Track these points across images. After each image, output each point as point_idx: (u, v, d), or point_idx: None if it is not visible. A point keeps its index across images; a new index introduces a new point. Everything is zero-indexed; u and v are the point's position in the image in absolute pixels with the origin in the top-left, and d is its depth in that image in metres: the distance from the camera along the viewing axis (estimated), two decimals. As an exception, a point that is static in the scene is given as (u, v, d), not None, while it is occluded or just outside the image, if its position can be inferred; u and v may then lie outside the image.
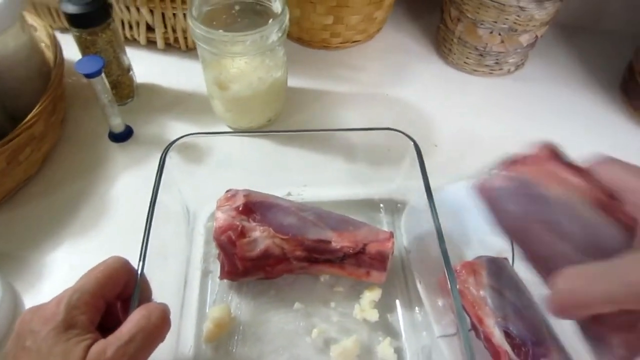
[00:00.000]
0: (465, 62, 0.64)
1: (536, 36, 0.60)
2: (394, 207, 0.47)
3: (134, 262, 0.34)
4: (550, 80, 0.65)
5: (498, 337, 0.35)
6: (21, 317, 0.29)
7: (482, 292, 0.37)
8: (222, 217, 0.39)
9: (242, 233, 0.38)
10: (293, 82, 0.60)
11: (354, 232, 0.41)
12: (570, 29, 0.72)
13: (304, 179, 0.47)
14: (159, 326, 0.30)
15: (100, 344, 0.27)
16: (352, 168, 0.48)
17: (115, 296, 0.31)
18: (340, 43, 0.66)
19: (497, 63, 0.63)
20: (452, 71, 0.65)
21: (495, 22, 0.57)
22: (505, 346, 0.34)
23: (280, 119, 0.57)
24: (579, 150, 0.59)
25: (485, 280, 0.38)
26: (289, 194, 0.47)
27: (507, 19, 0.57)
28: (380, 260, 0.40)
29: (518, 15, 0.56)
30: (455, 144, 0.56)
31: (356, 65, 0.65)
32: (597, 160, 0.28)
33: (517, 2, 0.54)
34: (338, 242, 0.39)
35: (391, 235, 0.41)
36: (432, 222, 0.38)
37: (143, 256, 0.34)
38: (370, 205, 0.48)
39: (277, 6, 0.48)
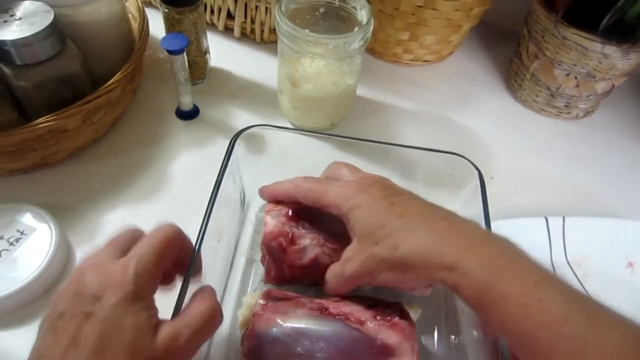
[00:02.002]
0: (534, 100, 0.63)
1: (613, 85, 0.59)
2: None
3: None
4: (618, 132, 0.63)
5: None
6: (79, 272, 0.28)
7: None
8: (272, 223, 0.39)
9: (292, 240, 0.38)
10: (360, 90, 0.60)
11: None
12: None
13: (359, 188, 0.48)
14: (218, 322, 0.30)
15: (171, 327, 0.27)
16: (409, 186, 0.48)
17: (169, 267, 0.31)
18: (411, 60, 0.66)
19: (567, 106, 0.61)
20: (519, 107, 0.64)
21: (575, 65, 0.56)
22: None
23: (343, 125, 0.57)
24: (638, 208, 0.57)
25: None
26: (342, 200, 0.47)
27: (587, 63, 0.55)
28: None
29: (599, 62, 0.55)
30: (511, 179, 0.55)
31: (423, 85, 0.65)
32: None
33: (602, 48, 0.53)
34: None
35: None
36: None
37: (202, 235, 0.35)
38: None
39: (362, 15, 0.49)
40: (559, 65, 0.57)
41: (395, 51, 0.65)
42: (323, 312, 0.36)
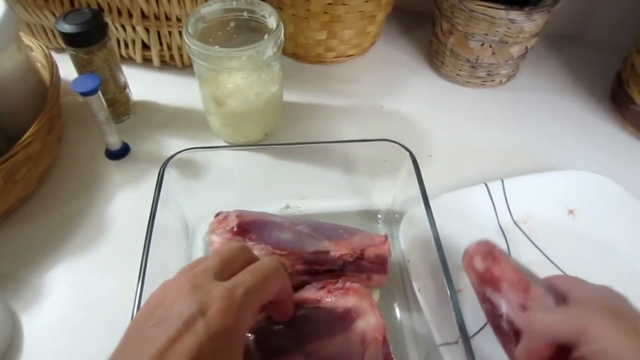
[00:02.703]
0: (457, 74, 0.65)
1: (526, 48, 0.62)
2: (392, 217, 0.47)
3: (135, 281, 0.34)
4: (541, 90, 0.66)
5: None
6: (181, 282, 0.27)
7: (512, 262, 0.36)
8: (217, 241, 0.38)
9: None
10: (289, 96, 0.60)
11: (350, 239, 0.41)
12: (560, 39, 0.74)
13: (302, 192, 0.48)
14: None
15: None
16: (350, 180, 0.49)
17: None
18: (335, 57, 0.67)
19: (489, 74, 0.64)
20: (445, 83, 0.66)
21: (486, 34, 0.58)
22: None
23: (277, 134, 0.57)
24: (570, 158, 0.60)
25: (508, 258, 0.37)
26: (287, 206, 0.47)
27: (497, 31, 0.58)
28: (379, 264, 0.41)
29: (508, 28, 0.57)
30: (449, 154, 0.57)
31: (351, 79, 0.66)
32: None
33: (507, 14, 0.55)
34: (336, 251, 0.39)
35: (386, 237, 0.42)
36: (430, 230, 0.38)
37: (143, 273, 0.34)
38: (368, 216, 0.48)
39: (272, 22, 0.49)
40: (472, 37, 0.60)
41: (317, 51, 0.66)
42: None
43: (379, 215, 0.48)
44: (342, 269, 0.40)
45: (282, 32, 0.48)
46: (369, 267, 0.41)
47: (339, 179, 0.49)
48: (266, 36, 0.47)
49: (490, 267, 0.36)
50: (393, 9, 0.68)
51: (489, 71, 0.63)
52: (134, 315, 0.27)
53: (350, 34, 0.64)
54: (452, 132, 0.59)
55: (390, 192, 0.47)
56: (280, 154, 0.48)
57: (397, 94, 0.64)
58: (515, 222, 0.49)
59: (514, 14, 0.55)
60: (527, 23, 0.57)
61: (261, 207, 0.44)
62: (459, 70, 0.64)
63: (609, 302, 0.31)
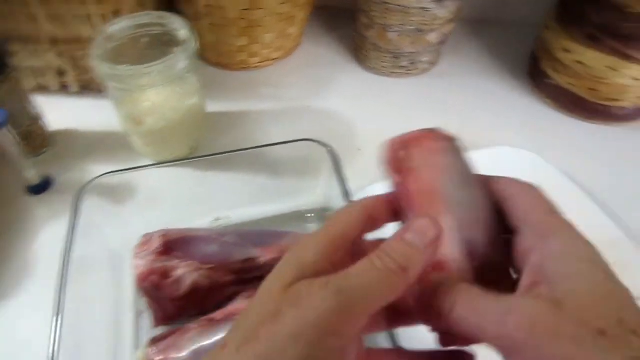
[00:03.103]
0: (382, 66, 0.66)
1: (444, 34, 0.63)
2: (322, 215, 0.47)
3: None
4: (463, 74, 0.68)
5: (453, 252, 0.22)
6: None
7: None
8: (141, 264, 0.37)
9: (165, 274, 0.36)
10: (216, 106, 0.60)
11: (278, 242, 0.41)
12: (479, 23, 0.76)
13: (232, 202, 0.47)
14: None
15: None
16: (277, 183, 0.48)
17: None
18: (259, 62, 0.67)
19: (412, 63, 0.65)
20: (371, 76, 0.67)
21: (403, 24, 0.59)
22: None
23: (204, 146, 0.56)
24: (494, 136, 0.62)
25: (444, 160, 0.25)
26: (218, 219, 0.46)
27: (412, 20, 0.59)
28: None
29: (422, 16, 0.58)
30: (378, 145, 0.57)
31: (277, 83, 0.66)
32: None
33: (419, 3, 0.57)
34: (264, 256, 0.38)
35: None
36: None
37: (58, 310, 0.32)
38: (299, 216, 0.48)
39: (183, 34, 0.48)
40: (390, 28, 0.60)
41: (241, 58, 0.65)
42: (212, 322, 0.35)
43: (311, 215, 0.48)
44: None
45: (194, 43, 0.47)
46: None
47: (267, 184, 0.48)
48: (175, 49, 0.46)
49: (406, 172, 0.25)
50: (315, 8, 0.68)
51: (411, 60, 0.64)
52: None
53: (271, 38, 0.64)
54: (381, 124, 0.60)
55: (317, 190, 0.48)
56: (205, 167, 0.47)
57: (325, 93, 0.64)
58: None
59: (426, 3, 0.56)
60: (440, 10, 0.58)
61: (191, 223, 0.43)
62: (383, 62, 0.65)
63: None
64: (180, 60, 0.45)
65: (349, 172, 0.44)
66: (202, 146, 0.56)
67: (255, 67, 0.67)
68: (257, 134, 0.59)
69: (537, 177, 0.50)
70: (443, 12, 0.59)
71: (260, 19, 0.61)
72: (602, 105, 0.59)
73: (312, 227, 0.47)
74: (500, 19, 0.76)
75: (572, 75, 0.59)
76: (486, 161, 0.51)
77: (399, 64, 0.65)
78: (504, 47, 0.72)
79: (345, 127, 0.60)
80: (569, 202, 0.26)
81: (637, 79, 0.55)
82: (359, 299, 0.19)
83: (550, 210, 0.23)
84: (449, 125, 0.59)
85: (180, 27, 0.49)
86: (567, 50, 0.58)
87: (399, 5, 0.57)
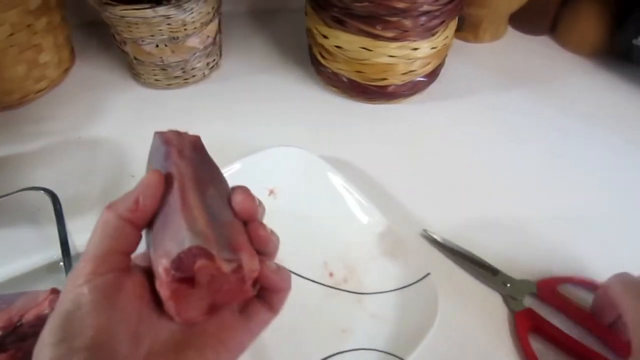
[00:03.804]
0: (156, 80, 0.61)
1: (209, 35, 0.60)
2: (58, 267, 0.43)
3: None
4: (249, 72, 0.65)
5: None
6: None
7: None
8: None
9: None
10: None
11: (7, 308, 0.37)
12: (264, 15, 0.74)
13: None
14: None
15: None
16: (10, 238, 0.44)
17: None
18: (21, 98, 0.60)
19: (184, 72, 0.61)
20: (149, 92, 0.63)
21: (153, 35, 0.55)
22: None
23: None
24: (283, 133, 0.59)
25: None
26: None
27: (160, 30, 0.55)
28: (41, 324, 0.36)
29: (169, 24, 0.55)
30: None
31: (45, 116, 0.60)
32: None
33: (156, 12, 0.53)
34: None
35: (52, 291, 0.38)
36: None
37: None
38: (36, 276, 0.44)
39: None
40: (142, 41, 0.56)
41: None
42: None
43: (61, 263, 0.44)
44: (2, 344, 0.36)
45: None
46: (31, 332, 0.37)
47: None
48: None
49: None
50: (86, 24, 0.62)
51: (182, 69, 0.61)
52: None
53: (22, 71, 0.58)
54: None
55: (55, 242, 0.43)
56: None
57: (99, 118, 0.60)
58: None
59: (162, 10, 0.53)
60: (184, 14, 0.54)
61: None
62: (154, 76, 0.61)
63: None
64: None
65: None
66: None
67: (19, 104, 0.60)
68: (18, 181, 0.53)
69: (310, 176, 0.49)
70: (191, 16, 0.55)
71: (-4, 52, 0.54)
72: (373, 85, 0.59)
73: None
74: (286, 8, 0.74)
75: (338, 60, 0.58)
76: (264, 164, 0.50)
77: (172, 75, 0.61)
78: (290, 37, 0.70)
79: (118, 151, 0.55)
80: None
81: (393, 56, 0.55)
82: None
83: None
84: (233, 130, 0.57)
85: None
86: (325, 36, 0.56)
87: (137, 17, 0.53)
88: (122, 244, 0.24)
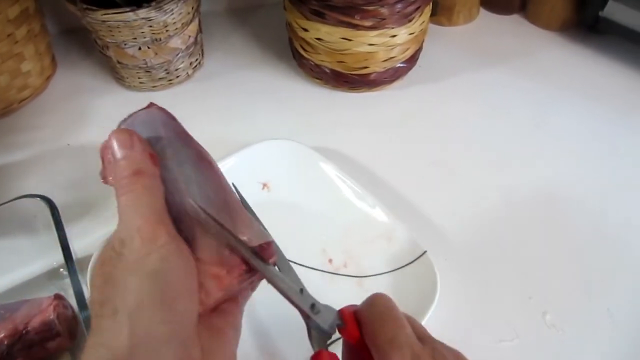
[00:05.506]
0: (140, 83, 0.62)
1: (190, 35, 0.60)
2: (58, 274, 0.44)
3: None
4: (232, 69, 0.66)
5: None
6: None
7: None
8: None
9: None
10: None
11: (12, 316, 0.38)
12: (244, 11, 0.74)
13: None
14: None
15: None
16: (11, 248, 0.44)
17: None
18: (5, 108, 0.60)
19: (168, 73, 0.61)
20: (134, 95, 0.63)
21: (135, 38, 0.56)
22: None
23: None
24: (271, 127, 0.60)
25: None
26: None
27: (142, 32, 0.55)
28: (47, 330, 0.38)
29: (150, 26, 0.55)
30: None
31: (31, 125, 0.60)
32: None
33: (136, 15, 0.53)
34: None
35: (56, 296, 0.39)
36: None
37: None
38: (37, 283, 0.44)
39: None
40: (125, 44, 0.57)
41: (-23, 111, 0.59)
42: None
43: (63, 270, 0.45)
44: (9, 353, 0.37)
45: None
46: (37, 339, 0.37)
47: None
48: None
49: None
50: (66, 31, 0.62)
51: (166, 70, 0.61)
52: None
53: (4, 81, 0.57)
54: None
55: (51, 248, 0.44)
56: None
57: (86, 124, 0.60)
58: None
59: (142, 13, 0.53)
60: (165, 16, 0.55)
61: None
62: (139, 78, 0.61)
63: None
64: None
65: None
66: None
67: (2, 114, 0.60)
68: (8, 191, 0.53)
69: (302, 168, 0.50)
70: (171, 17, 0.55)
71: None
72: (355, 74, 0.60)
73: (63, 285, 0.44)
74: (263, 3, 0.75)
75: (320, 51, 0.59)
76: (256, 159, 0.50)
77: (156, 77, 0.61)
78: (271, 32, 0.71)
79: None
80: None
81: (372, 44, 0.56)
82: None
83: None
84: (222, 128, 0.58)
85: None
86: (305, 29, 0.57)
87: (118, 21, 0.53)
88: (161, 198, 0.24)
